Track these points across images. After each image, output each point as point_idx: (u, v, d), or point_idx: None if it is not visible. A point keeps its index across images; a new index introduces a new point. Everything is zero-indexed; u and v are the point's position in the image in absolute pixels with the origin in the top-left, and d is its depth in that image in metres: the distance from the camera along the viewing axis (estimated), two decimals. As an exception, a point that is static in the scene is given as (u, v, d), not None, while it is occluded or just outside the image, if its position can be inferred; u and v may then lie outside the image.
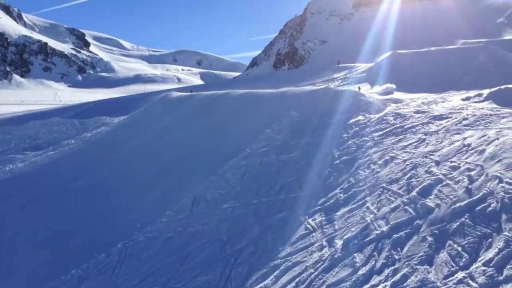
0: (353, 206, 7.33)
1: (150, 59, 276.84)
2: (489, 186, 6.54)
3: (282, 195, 8.46)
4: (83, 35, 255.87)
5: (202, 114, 16.51)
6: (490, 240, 5.37)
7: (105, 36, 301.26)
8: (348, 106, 13.93)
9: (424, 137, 9.91)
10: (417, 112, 12.34)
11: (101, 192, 12.18)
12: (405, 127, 10.96)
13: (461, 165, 7.68)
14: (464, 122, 10.21)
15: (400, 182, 7.69)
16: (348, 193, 7.87)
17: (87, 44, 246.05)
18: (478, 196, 6.43)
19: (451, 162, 7.97)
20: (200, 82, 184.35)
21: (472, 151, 8.18)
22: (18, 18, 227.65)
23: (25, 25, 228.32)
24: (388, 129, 11.09)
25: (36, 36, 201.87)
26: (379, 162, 8.98)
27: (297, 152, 10.62)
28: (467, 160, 7.81)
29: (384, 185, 7.77)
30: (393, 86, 19.94)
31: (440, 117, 11.20)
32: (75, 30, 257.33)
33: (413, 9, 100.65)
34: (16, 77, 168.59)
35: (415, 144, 9.57)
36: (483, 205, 6.16)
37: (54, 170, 15.56)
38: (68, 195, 12.20)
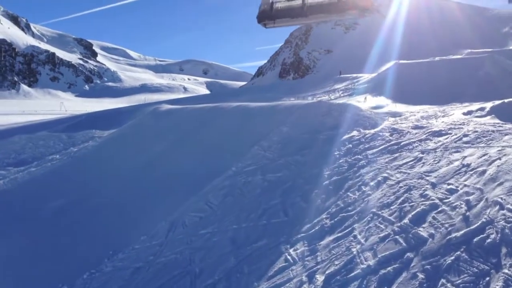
0: (339, 234, 6.81)
1: (157, 69, 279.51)
2: (489, 214, 6.03)
3: (263, 220, 7.94)
4: (91, 45, 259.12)
5: (190, 129, 16.07)
6: (487, 278, 4.85)
7: (112, 46, 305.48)
8: (342, 121, 13.46)
9: (421, 155, 9.42)
10: (415, 127, 11.85)
11: (77, 214, 11.68)
12: (402, 144, 10.46)
13: (459, 188, 7.19)
14: (464, 139, 9.72)
15: (392, 207, 7.18)
16: (335, 219, 7.34)
17: (94, 54, 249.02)
18: (476, 225, 5.92)
19: (448, 184, 7.47)
20: (206, 91, 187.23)
21: (471, 172, 7.68)
22: (26, 29, 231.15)
23: (33, 35, 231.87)
24: (383, 146, 10.59)
25: (44, 46, 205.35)
26: (371, 183, 8.48)
27: (284, 171, 10.12)
28: (465, 183, 7.31)
29: (374, 210, 7.26)
30: (386, 103, 19.39)
31: (439, 133, 10.70)
32: (82, 40, 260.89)
33: (419, 18, 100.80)
34: (24, 86, 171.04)
35: (410, 163, 9.07)
36: (481, 236, 5.65)
37: (33, 189, 15.07)
38: (41, 217, 11.70)
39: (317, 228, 7.22)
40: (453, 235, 5.84)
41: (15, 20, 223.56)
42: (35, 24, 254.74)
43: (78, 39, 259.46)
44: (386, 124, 13.06)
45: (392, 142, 10.75)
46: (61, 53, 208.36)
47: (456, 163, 8.36)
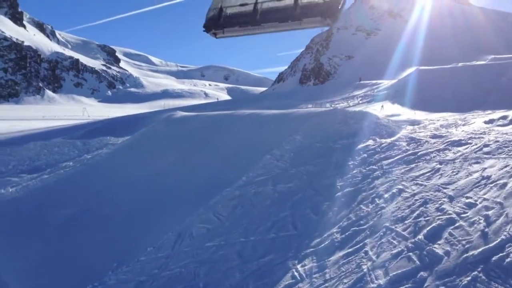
0: (350, 250, 6.57)
1: (178, 75, 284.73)
2: (509, 230, 5.74)
3: (272, 233, 7.74)
4: (114, 51, 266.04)
5: (202, 137, 15.98)
6: (506, 302, 4.55)
7: (134, 52, 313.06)
8: (358, 129, 13.19)
9: (438, 166, 9.11)
10: (434, 136, 11.53)
11: (87, 222, 11.64)
12: (419, 154, 10.15)
13: (477, 202, 6.88)
14: (485, 149, 9.37)
15: (406, 222, 6.91)
16: (346, 233, 7.10)
17: (117, 60, 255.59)
18: (495, 242, 5.62)
19: (467, 198, 7.17)
20: (227, 97, 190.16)
21: (491, 185, 7.37)
22: (51, 35, 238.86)
23: (58, 42, 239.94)
24: (400, 156, 10.30)
25: (68, 52, 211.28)
26: (385, 195, 8.21)
27: (296, 182, 9.91)
28: (485, 196, 7.01)
29: (387, 224, 6.99)
30: (405, 110, 19.04)
31: (458, 143, 10.37)
32: (106, 46, 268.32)
33: (442, 23, 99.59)
34: (49, 92, 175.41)
35: (427, 174, 8.77)
36: (500, 254, 5.36)
37: (44, 197, 15.13)
38: (50, 226, 11.71)
39: (326, 242, 6.98)
40: (470, 253, 5.56)
41: (40, 27, 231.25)
42: (60, 31, 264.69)
43: (102, 45, 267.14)
44: (404, 133, 12.74)
45: (409, 152, 10.45)
46: (84, 59, 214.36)
47: (476, 175, 8.04)
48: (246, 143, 13.89)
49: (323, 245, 6.97)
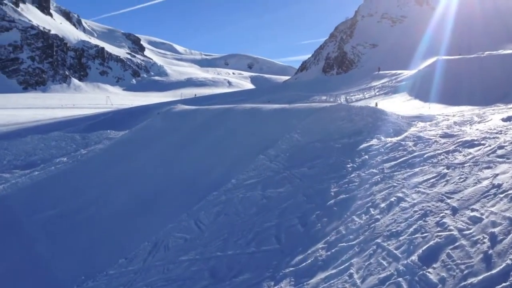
0: (334, 271, 5.96)
1: (202, 63, 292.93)
2: (517, 254, 5.03)
3: (252, 247, 7.17)
4: (139, 39, 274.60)
5: (197, 133, 15.49)
6: None
7: (159, 40, 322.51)
8: (363, 127, 12.49)
9: (445, 171, 8.41)
10: (445, 135, 10.78)
11: (64, 227, 11.26)
12: (425, 156, 9.44)
13: (483, 216, 6.19)
14: (499, 151, 8.63)
15: (401, 238, 6.27)
16: (332, 250, 6.49)
17: (142, 49, 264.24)
18: (498, 268, 4.97)
19: (472, 210, 6.49)
20: (251, 86, 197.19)
21: (501, 196, 6.66)
22: (77, 24, 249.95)
23: (84, 30, 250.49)
24: (404, 158, 9.61)
25: (94, 41, 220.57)
26: (382, 205, 7.56)
27: (287, 186, 9.31)
28: (493, 209, 6.31)
29: (379, 240, 6.36)
30: (421, 104, 18.23)
31: (470, 144, 9.62)
32: (131, 35, 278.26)
33: (471, 10, 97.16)
34: (75, 80, 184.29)
35: (432, 180, 8.09)
36: (503, 284, 4.68)
37: (30, 196, 14.84)
38: (27, 229, 11.33)
39: (309, 261, 6.38)
40: (469, 281, 4.92)
41: (67, 15, 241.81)
42: (86, 19, 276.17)
43: (127, 34, 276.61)
44: (413, 130, 12.00)
45: (415, 154, 9.74)
46: (110, 48, 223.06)
47: (485, 183, 7.33)
48: (242, 141, 13.32)
49: (305, 263, 6.37)
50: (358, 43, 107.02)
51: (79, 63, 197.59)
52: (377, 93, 40.34)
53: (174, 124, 18.37)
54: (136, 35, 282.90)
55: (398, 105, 27.32)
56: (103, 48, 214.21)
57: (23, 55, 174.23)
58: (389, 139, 11.24)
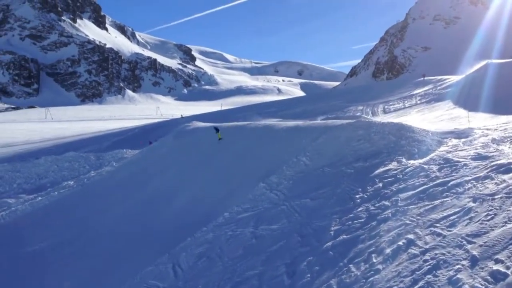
0: None
1: (252, 71, 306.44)
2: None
3: (225, 304, 6.20)
4: (190, 50, 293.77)
5: (203, 158, 14.91)
6: None
7: (210, 50, 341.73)
8: (382, 147, 11.37)
9: (470, 204, 7.25)
10: (477, 157, 9.54)
11: (49, 262, 10.72)
12: (449, 184, 8.27)
13: (509, 272, 5.07)
14: (541, 180, 7.40)
15: (401, 300, 5.18)
16: (316, 313, 5.45)
17: (193, 59, 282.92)
18: None
19: (496, 262, 5.38)
20: (300, 92, 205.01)
21: (536, 243, 5.50)
22: (131, 37, 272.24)
23: (138, 43, 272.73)
24: (424, 187, 8.46)
25: (147, 53, 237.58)
26: (387, 250, 6.49)
27: (283, 222, 8.35)
28: (522, 262, 5.15)
29: (374, 302, 5.29)
30: (463, 113, 16.84)
31: (506, 169, 8.39)
32: (182, 46, 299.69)
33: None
34: (129, 92, 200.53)
35: (453, 218, 6.96)
36: None
37: (24, 227, 14.50)
38: (9, 265, 10.79)
39: (285, 327, 5.37)
40: None
41: (121, 29, 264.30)
42: (140, 32, 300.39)
43: (178, 45, 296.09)
44: (441, 151, 10.76)
45: (438, 181, 8.56)
46: (162, 59, 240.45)
47: (518, 223, 6.16)
48: (246, 166, 12.48)
49: (279, 330, 5.37)
50: (409, 46, 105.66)
51: (133, 75, 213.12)
52: (418, 102, 38.49)
53: (184, 145, 17.77)
54: (187, 45, 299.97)
55: (437, 116, 25.81)
56: (155, 60, 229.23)
57: (80, 68, 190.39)
58: (411, 162, 10.06)
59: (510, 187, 7.38)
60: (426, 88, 46.12)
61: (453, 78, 47.12)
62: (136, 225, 11.37)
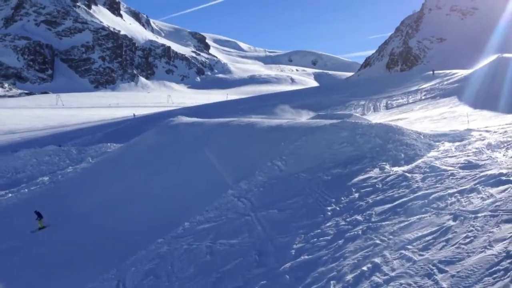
0: None
1: (266, 60, 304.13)
2: None
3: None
4: (204, 38, 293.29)
5: (178, 156, 14.23)
6: None
7: (224, 38, 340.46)
8: (367, 151, 10.69)
9: (450, 223, 6.61)
10: (466, 165, 8.85)
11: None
12: (431, 197, 7.61)
13: (480, 314, 4.40)
14: (532, 197, 6.72)
15: None
16: None
17: (207, 47, 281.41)
18: None
19: (467, 300, 4.69)
20: (314, 83, 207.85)
21: (515, 276, 4.83)
22: (146, 24, 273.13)
23: (152, 30, 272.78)
24: (403, 199, 7.81)
25: (161, 40, 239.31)
26: (348, 277, 5.87)
27: (244, 236, 7.73)
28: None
29: None
30: (466, 111, 16.14)
31: (496, 181, 7.71)
32: (196, 33, 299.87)
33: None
34: (142, 79, 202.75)
35: (428, 239, 6.34)
36: None
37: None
38: None
39: None
40: None
41: (136, 16, 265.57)
42: (154, 19, 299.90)
43: (193, 32, 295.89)
44: (429, 156, 10.06)
45: (419, 193, 7.89)
46: (176, 47, 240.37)
47: (498, 248, 5.52)
48: (219, 168, 11.82)
49: None
50: (424, 37, 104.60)
51: (146, 62, 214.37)
52: (423, 97, 37.57)
53: (161, 143, 17.14)
54: (202, 33, 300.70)
55: (440, 113, 25.09)
56: (169, 47, 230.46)
57: (94, 55, 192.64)
58: (394, 169, 9.35)
59: (496, 204, 6.70)
60: (433, 82, 45.17)
61: (462, 73, 46.09)
62: (92, 233, 10.76)
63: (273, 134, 12.76)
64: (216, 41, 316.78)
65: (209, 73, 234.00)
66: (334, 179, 9.36)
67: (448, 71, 50.43)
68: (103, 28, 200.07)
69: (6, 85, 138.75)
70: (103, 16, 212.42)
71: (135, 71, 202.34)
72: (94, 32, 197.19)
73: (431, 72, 51.81)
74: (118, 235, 10.00)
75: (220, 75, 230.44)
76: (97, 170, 17.39)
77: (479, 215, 6.49)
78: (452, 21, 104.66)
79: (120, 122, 49.00)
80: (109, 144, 26.22)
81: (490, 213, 6.47)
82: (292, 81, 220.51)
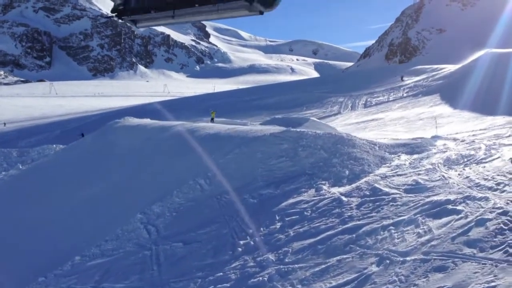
0: None
1: (267, 49, 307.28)
2: None
3: None
4: (204, 26, 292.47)
5: (103, 170, 12.91)
6: None
7: (224, 27, 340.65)
8: (308, 166, 9.64)
9: (371, 270, 5.63)
10: (413, 188, 7.89)
11: None
12: (361, 231, 6.66)
13: None
14: (476, 232, 5.73)
15: None
16: None
17: (207, 35, 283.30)
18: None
19: None
20: (314, 73, 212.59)
21: None
22: None
23: None
24: (329, 232, 6.80)
25: (160, 28, 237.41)
26: None
27: (132, 280, 6.74)
28: None
29: None
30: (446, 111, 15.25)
31: (440, 210, 6.75)
32: (196, 21, 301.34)
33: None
34: (141, 67, 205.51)
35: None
36: None
37: None
38: None
39: None
40: None
41: None
42: None
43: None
44: (376, 174, 9.04)
45: (349, 225, 6.88)
46: (175, 35, 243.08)
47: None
48: (137, 187, 10.63)
49: None
50: (424, 28, 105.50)
51: (145, 51, 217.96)
52: (405, 94, 36.68)
53: (93, 150, 15.86)
54: (202, 21, 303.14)
55: (417, 114, 24.33)
56: (168, 36, 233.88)
57: (93, 43, 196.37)
58: (332, 191, 8.28)
59: (432, 243, 5.68)
60: (417, 78, 44.15)
61: (450, 68, 45.18)
62: (10, 250, 9.47)
63: (208, 144, 11.56)
64: (216, 29, 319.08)
65: (208, 62, 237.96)
66: (261, 202, 8.27)
67: (435, 66, 49.46)
68: (102, 15, 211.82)
69: (2, 72, 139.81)
70: (102, 3, 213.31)
71: (134, 59, 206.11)
72: (92, 20, 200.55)
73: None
74: (6, 274, 8.75)
75: (220, 64, 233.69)
76: (19, 181, 15.87)
77: (408, 258, 5.46)
78: (453, 12, 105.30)
79: (93, 116, 48.13)
80: (54, 145, 24.79)
81: (422, 256, 5.44)
82: (292, 71, 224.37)
